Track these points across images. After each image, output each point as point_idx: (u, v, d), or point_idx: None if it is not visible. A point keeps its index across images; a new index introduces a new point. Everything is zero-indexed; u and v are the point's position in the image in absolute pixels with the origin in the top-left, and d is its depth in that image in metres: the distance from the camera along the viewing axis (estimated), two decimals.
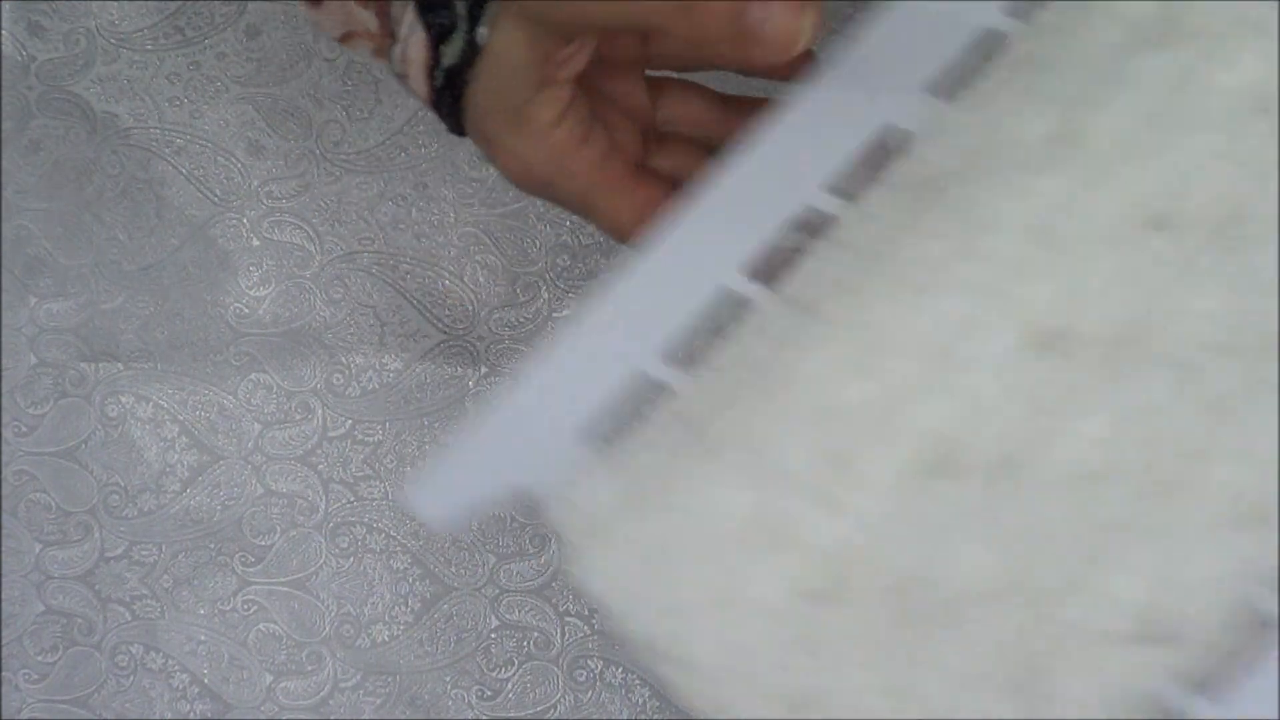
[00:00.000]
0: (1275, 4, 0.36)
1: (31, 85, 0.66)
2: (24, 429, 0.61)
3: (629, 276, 0.38)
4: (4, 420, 0.62)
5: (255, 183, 0.63)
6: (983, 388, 0.34)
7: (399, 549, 0.61)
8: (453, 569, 0.61)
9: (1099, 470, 0.33)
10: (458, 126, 0.42)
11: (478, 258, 0.62)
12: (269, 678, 0.58)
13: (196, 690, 0.58)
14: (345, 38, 0.42)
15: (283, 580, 0.60)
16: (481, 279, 0.62)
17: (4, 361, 0.62)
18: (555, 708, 0.61)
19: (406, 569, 0.61)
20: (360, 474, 0.62)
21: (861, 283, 0.35)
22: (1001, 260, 0.35)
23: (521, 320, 0.63)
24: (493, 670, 0.61)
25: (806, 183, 0.38)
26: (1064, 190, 0.35)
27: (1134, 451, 0.33)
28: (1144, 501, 0.33)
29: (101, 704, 0.58)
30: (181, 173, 0.65)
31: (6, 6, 0.66)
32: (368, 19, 0.41)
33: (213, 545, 0.60)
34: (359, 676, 0.60)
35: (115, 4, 0.65)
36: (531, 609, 0.61)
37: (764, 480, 0.35)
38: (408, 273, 0.62)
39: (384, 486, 0.62)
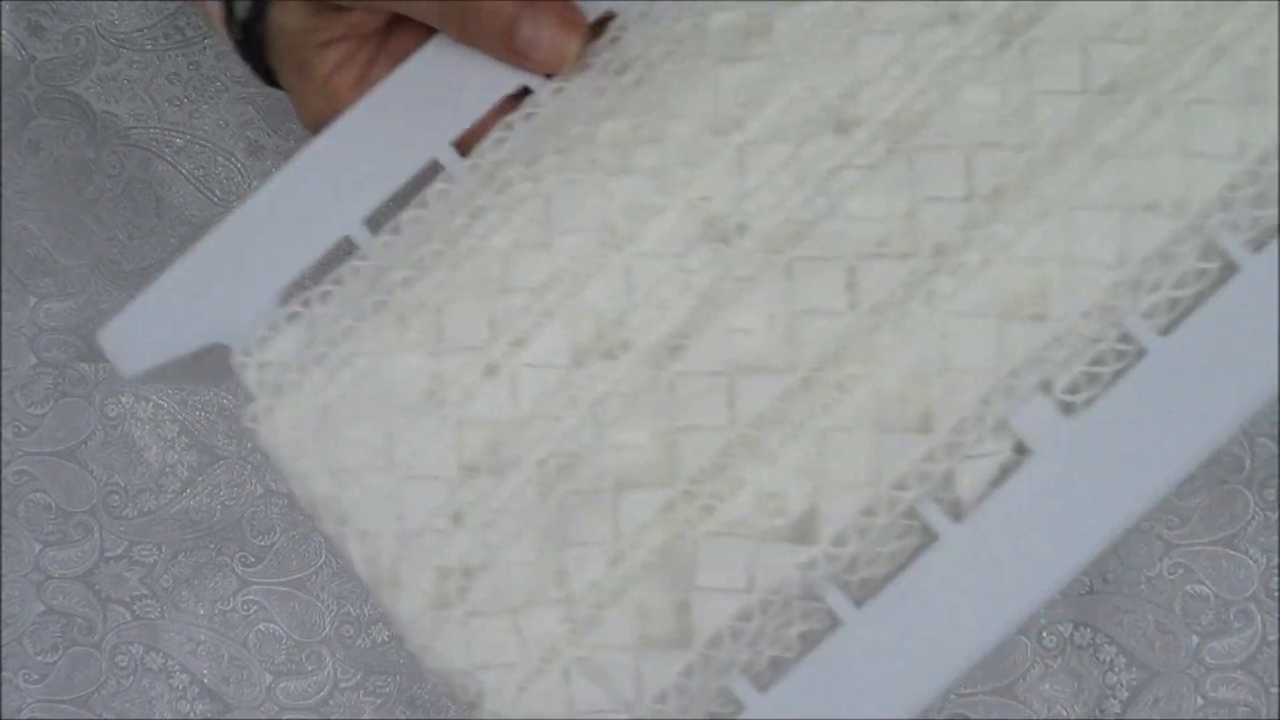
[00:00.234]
0: None
1: (31, 85, 0.66)
2: (24, 429, 0.61)
3: (339, 141, 0.38)
4: (4, 420, 0.62)
5: (255, 182, 0.63)
6: (649, 270, 0.35)
7: None
8: None
9: (754, 363, 0.34)
10: (271, 81, 0.42)
11: None
12: (269, 678, 0.58)
13: (196, 690, 0.58)
14: None
15: (283, 580, 0.60)
16: None
17: (4, 361, 0.62)
18: None
19: None
20: None
21: (555, 162, 0.36)
22: (680, 147, 0.36)
23: None
24: None
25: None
26: (748, 83, 0.36)
27: (789, 347, 0.34)
28: (795, 398, 0.34)
29: (101, 704, 0.58)
30: (181, 173, 0.65)
31: (6, 6, 0.66)
32: None
33: (213, 545, 0.60)
34: (359, 676, 0.60)
35: (115, 4, 0.65)
36: None
37: (439, 349, 0.35)
38: None
39: None
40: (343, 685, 0.60)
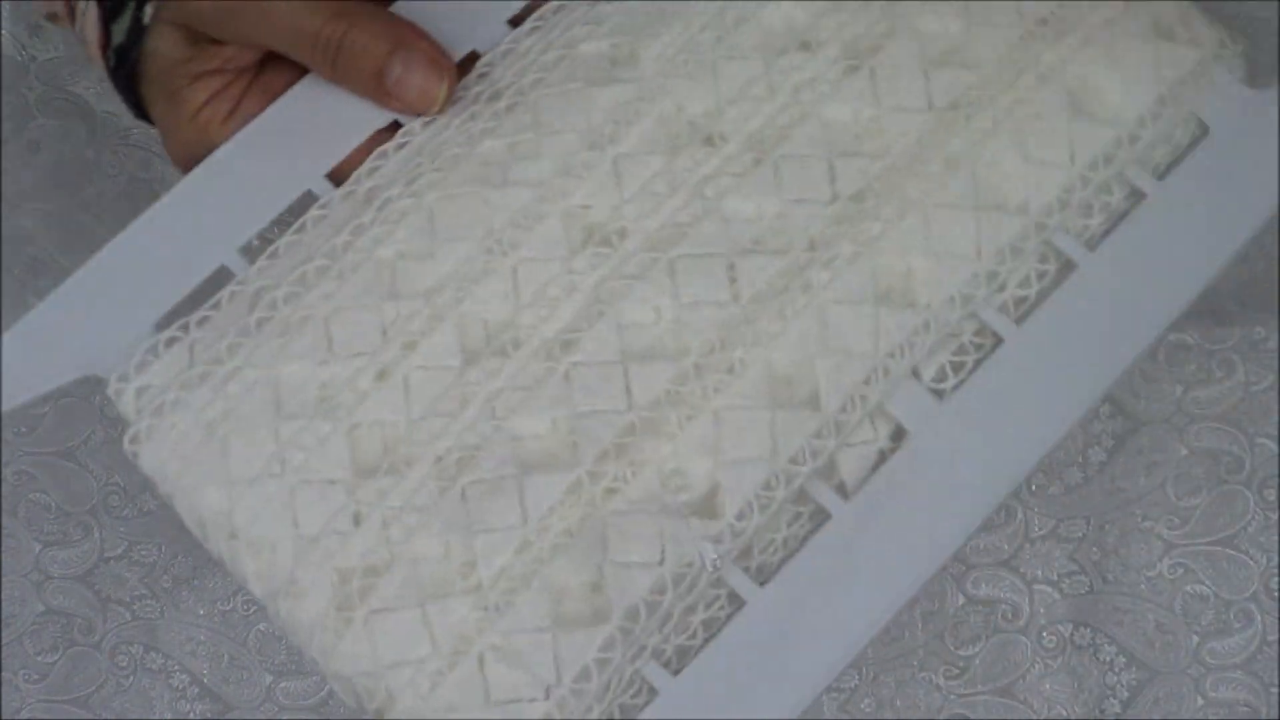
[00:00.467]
0: None
1: (31, 85, 0.66)
2: (24, 429, 0.62)
3: (214, 174, 0.39)
4: (4, 420, 0.62)
5: None
6: (536, 274, 0.37)
7: None
8: None
9: (646, 351, 0.36)
10: (141, 113, 0.42)
11: None
12: (269, 678, 0.58)
13: (196, 690, 0.58)
14: (50, 17, 0.42)
15: None
16: None
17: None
18: None
19: None
20: None
21: (435, 178, 0.38)
22: (558, 160, 0.38)
23: None
24: None
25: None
26: (619, 103, 0.38)
27: (679, 336, 0.36)
28: (688, 381, 0.35)
29: (101, 704, 0.58)
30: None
31: (6, 6, 0.66)
32: None
33: None
34: None
35: None
36: None
37: (328, 357, 0.36)
38: None
39: None
40: None
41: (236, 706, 0.58)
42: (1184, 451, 0.56)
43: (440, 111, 0.39)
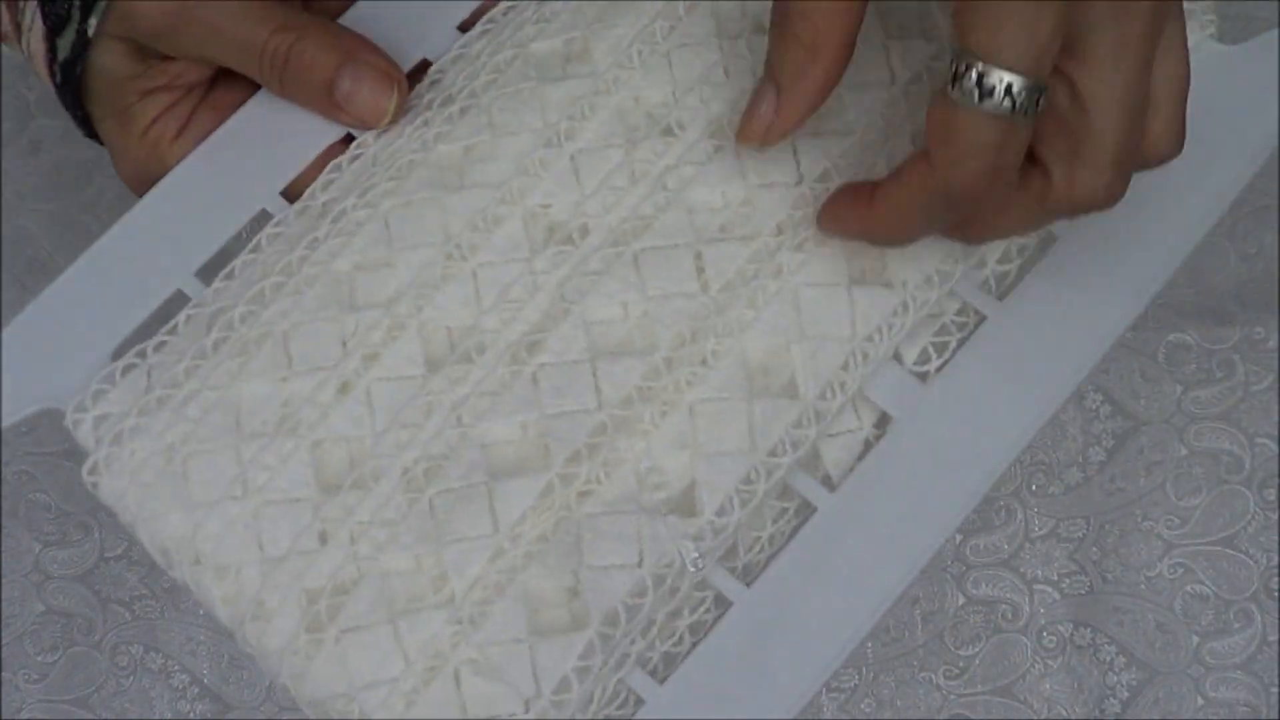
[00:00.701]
0: None
1: (31, 85, 0.66)
2: (24, 429, 0.62)
3: (166, 198, 0.38)
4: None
5: None
6: (497, 277, 0.36)
7: None
8: None
9: (615, 348, 0.35)
10: (89, 131, 0.41)
11: None
12: (269, 678, 0.58)
13: (196, 690, 0.58)
14: None
15: None
16: None
17: None
18: None
19: None
20: None
21: (390, 187, 0.37)
22: (515, 161, 0.37)
23: None
24: None
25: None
26: (574, 98, 0.38)
27: (648, 331, 0.35)
28: (660, 376, 0.34)
29: (101, 704, 0.58)
30: None
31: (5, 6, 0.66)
32: (1, 12, 0.40)
33: None
34: None
35: None
36: None
37: (289, 374, 0.35)
38: None
39: None
40: None
41: (236, 706, 0.58)
42: (1184, 451, 0.56)
43: (392, 123, 0.38)
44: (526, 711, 0.32)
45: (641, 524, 0.33)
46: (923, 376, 0.35)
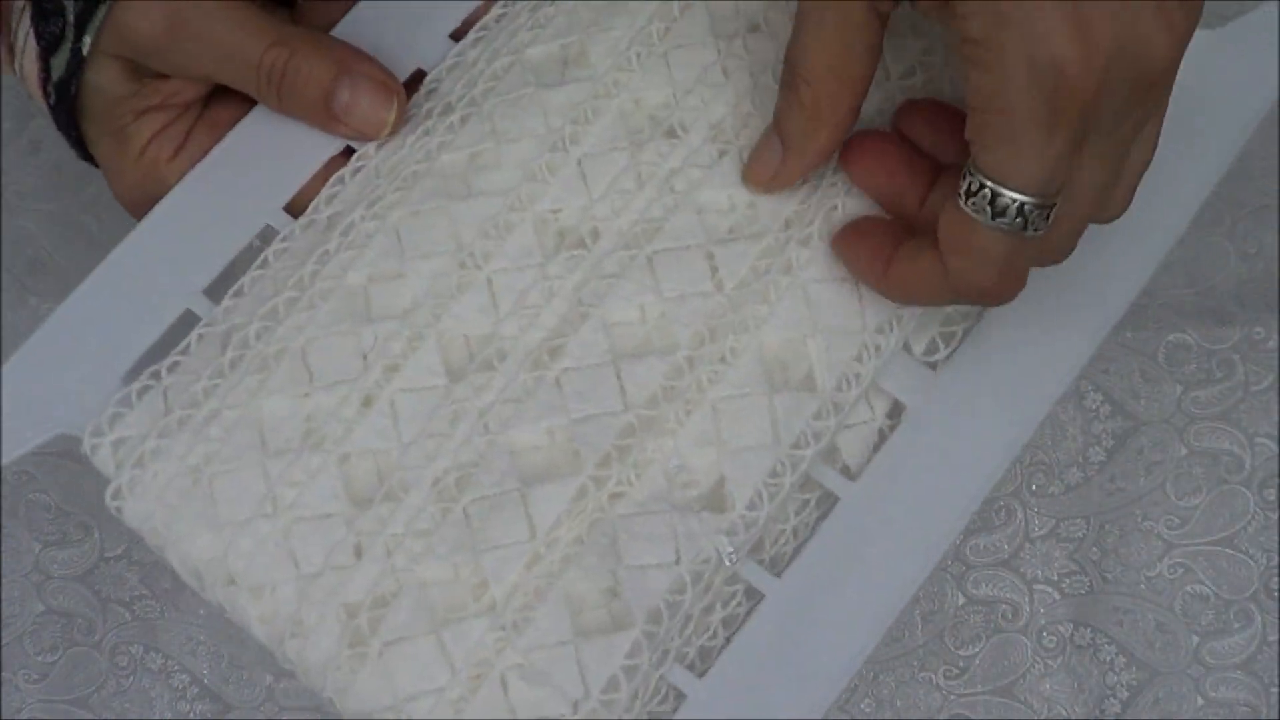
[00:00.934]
0: None
1: None
2: None
3: (169, 217, 0.38)
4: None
5: None
6: (513, 283, 0.36)
7: None
8: None
9: (636, 349, 0.35)
10: (84, 151, 0.41)
11: None
12: (269, 678, 0.58)
13: (196, 690, 0.58)
14: None
15: None
16: None
17: (4, 361, 0.62)
18: None
19: None
20: None
21: (397, 198, 0.37)
22: (521, 167, 0.37)
23: None
24: None
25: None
26: (575, 102, 0.38)
27: (667, 331, 0.35)
28: (683, 375, 0.35)
29: (101, 704, 0.58)
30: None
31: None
32: None
33: None
34: None
35: None
36: None
37: (310, 389, 0.35)
38: None
39: None
40: None
41: (236, 706, 0.58)
42: (1184, 451, 0.56)
43: (391, 133, 0.38)
44: (575, 712, 0.32)
45: (675, 522, 0.33)
46: (932, 365, 0.36)
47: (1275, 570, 0.55)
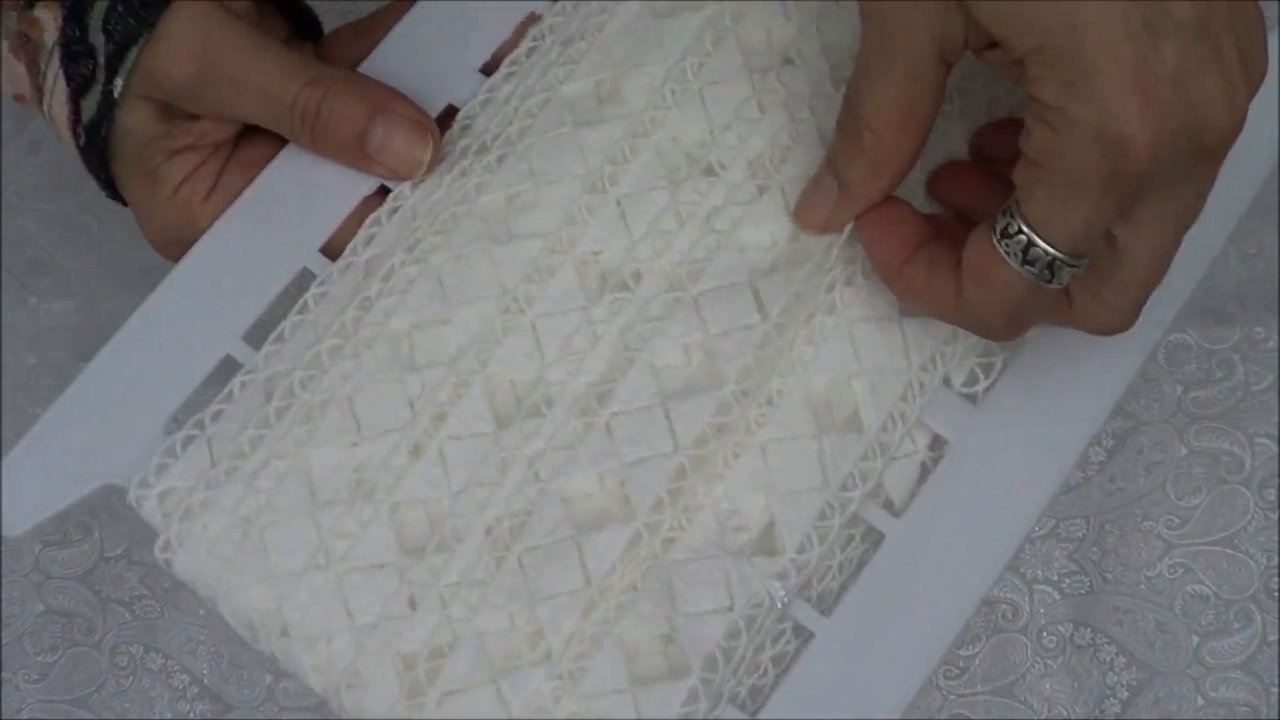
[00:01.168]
0: None
1: None
2: (24, 429, 0.61)
3: (205, 262, 0.38)
4: (4, 420, 0.62)
5: None
6: (557, 328, 0.36)
7: None
8: None
9: (683, 389, 0.35)
10: (113, 191, 0.41)
11: None
12: (269, 678, 0.58)
13: (196, 690, 0.58)
14: (17, 99, 0.40)
15: None
16: None
17: (4, 361, 0.62)
18: None
19: None
20: None
21: (438, 241, 0.37)
22: (561, 209, 0.37)
23: None
24: None
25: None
26: (612, 141, 0.37)
27: (713, 369, 0.35)
28: (730, 411, 0.35)
29: (101, 704, 0.58)
30: None
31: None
32: (22, 75, 0.39)
33: None
34: None
35: None
36: None
37: (359, 438, 0.35)
38: None
39: None
40: None
41: (236, 706, 0.58)
42: (1184, 451, 0.56)
43: (427, 172, 0.38)
44: None
45: (729, 567, 0.33)
46: (972, 398, 0.36)
47: (1275, 570, 0.55)
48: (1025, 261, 0.30)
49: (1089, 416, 0.35)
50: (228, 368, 0.37)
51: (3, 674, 0.58)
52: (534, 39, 0.40)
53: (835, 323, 0.35)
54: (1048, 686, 0.55)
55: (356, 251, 0.37)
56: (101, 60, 0.37)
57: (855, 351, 0.35)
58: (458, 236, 0.37)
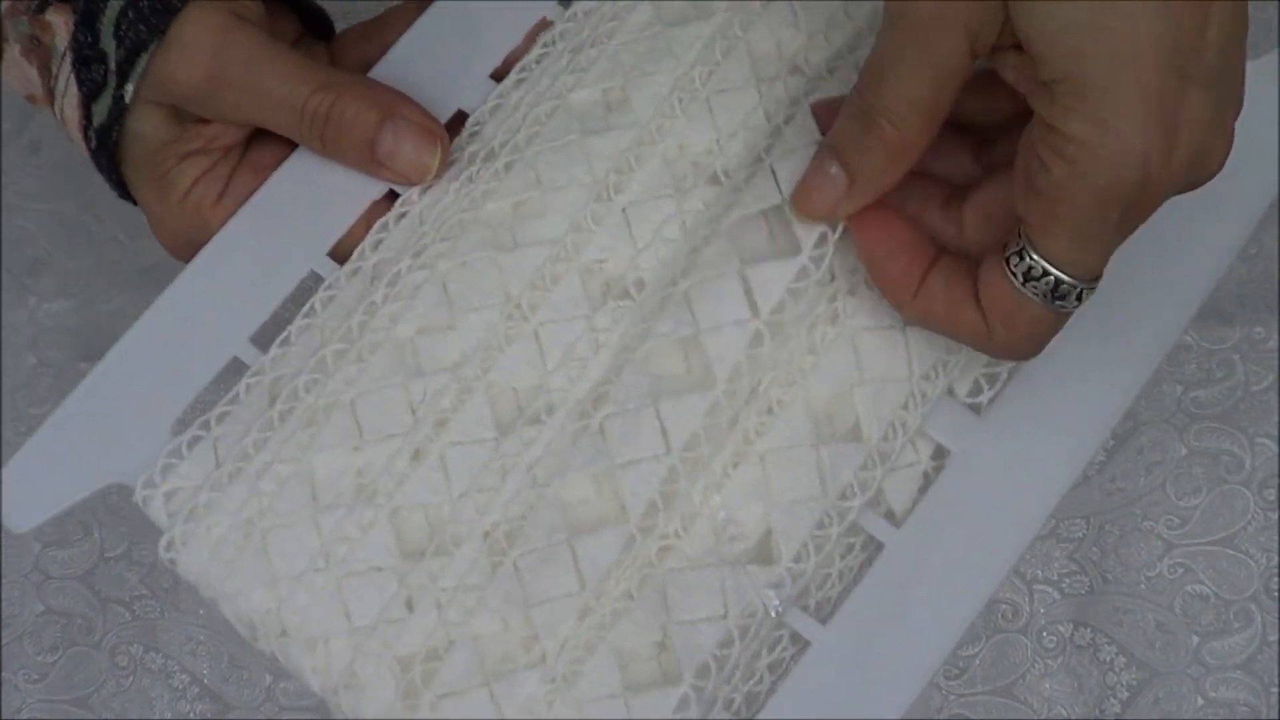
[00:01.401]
0: None
1: None
2: (24, 429, 0.61)
3: (213, 265, 0.38)
4: (4, 419, 0.62)
5: None
6: (560, 335, 0.36)
7: None
8: None
9: (675, 388, 0.35)
10: (125, 193, 0.41)
11: None
12: (269, 678, 0.58)
13: (196, 690, 0.58)
14: (28, 99, 0.41)
15: None
16: None
17: (4, 361, 0.62)
18: None
19: None
20: None
21: (444, 248, 0.37)
22: (567, 217, 0.37)
23: None
24: None
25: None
26: (619, 150, 0.37)
27: (704, 369, 0.35)
28: (721, 411, 0.35)
29: (101, 704, 0.58)
30: None
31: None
32: (33, 77, 0.40)
33: None
34: None
35: None
36: None
37: (361, 443, 0.35)
38: None
39: None
40: None
41: (236, 706, 0.58)
42: (1184, 451, 0.56)
43: (435, 178, 0.38)
44: None
45: (724, 576, 0.34)
46: (976, 408, 0.35)
47: (1275, 570, 0.55)
48: (1056, 299, 0.31)
49: (1093, 429, 0.35)
50: (236, 369, 0.37)
51: (3, 674, 0.58)
52: (544, 45, 0.40)
53: (838, 332, 0.35)
54: (1048, 686, 0.55)
55: (364, 256, 0.38)
56: (113, 66, 0.37)
57: (857, 361, 0.35)
58: (464, 243, 0.37)
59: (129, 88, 0.38)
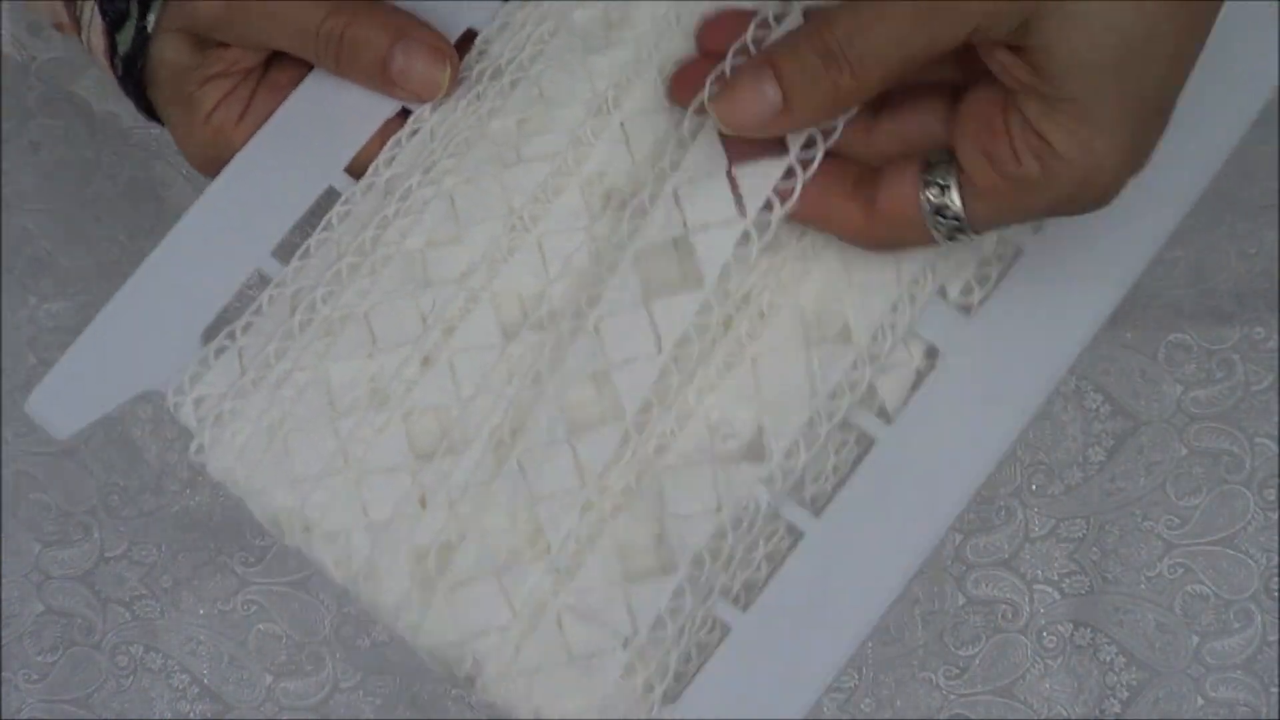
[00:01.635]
0: None
1: (31, 85, 0.66)
2: (24, 428, 0.62)
3: (235, 182, 0.40)
4: (4, 420, 0.62)
5: None
6: (561, 245, 0.37)
7: None
8: None
9: (667, 288, 0.36)
10: (153, 116, 0.43)
11: None
12: (269, 678, 0.58)
13: (196, 690, 0.58)
14: (57, 26, 0.43)
15: (283, 580, 0.60)
16: None
17: (4, 361, 0.62)
18: None
19: None
20: None
21: (451, 164, 0.39)
22: (567, 132, 0.38)
23: None
24: None
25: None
26: (619, 66, 0.39)
27: (693, 268, 0.36)
28: (711, 311, 0.36)
29: (101, 704, 0.58)
30: (181, 173, 0.65)
31: (6, 7, 0.66)
32: (59, 9, 0.42)
33: (212, 545, 0.60)
34: (359, 676, 0.60)
35: None
36: None
37: (374, 351, 0.37)
38: None
39: None
40: (343, 685, 0.60)
41: (236, 706, 0.58)
42: (1184, 451, 0.56)
43: (445, 95, 0.40)
44: (626, 648, 0.35)
45: (717, 473, 0.35)
46: (966, 309, 0.37)
47: (1275, 570, 0.55)
48: (946, 233, 0.32)
49: (1078, 332, 0.36)
50: (259, 281, 0.39)
51: (3, 674, 0.58)
52: None
53: (826, 239, 0.36)
54: (1048, 686, 0.55)
55: (378, 171, 0.39)
56: None
57: (846, 267, 0.36)
58: (470, 160, 0.39)
59: (151, 18, 0.40)
